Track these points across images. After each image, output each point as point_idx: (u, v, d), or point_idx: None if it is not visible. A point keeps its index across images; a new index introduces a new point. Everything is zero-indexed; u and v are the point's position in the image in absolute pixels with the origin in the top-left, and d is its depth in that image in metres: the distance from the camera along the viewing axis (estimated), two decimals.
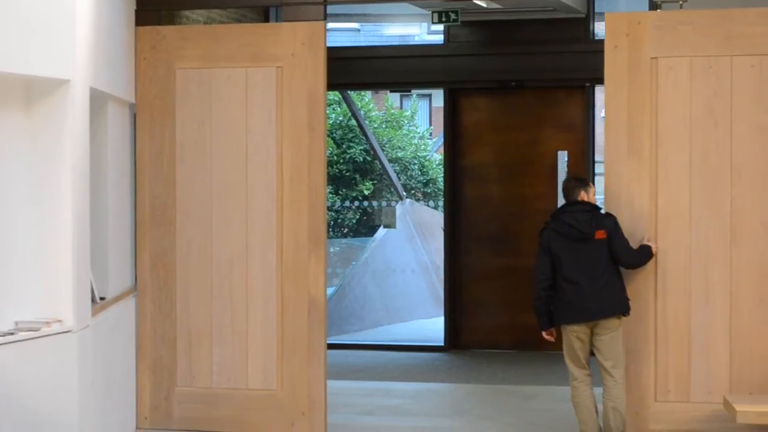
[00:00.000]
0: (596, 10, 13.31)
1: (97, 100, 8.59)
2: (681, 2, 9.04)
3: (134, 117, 9.54)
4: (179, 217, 9.44)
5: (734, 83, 8.79)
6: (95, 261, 8.57)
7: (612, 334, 8.52)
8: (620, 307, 8.54)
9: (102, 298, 8.75)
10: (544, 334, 8.64)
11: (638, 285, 8.83)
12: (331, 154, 21.67)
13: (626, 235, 8.64)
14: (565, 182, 8.85)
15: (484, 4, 12.15)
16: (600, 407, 8.56)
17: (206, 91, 9.41)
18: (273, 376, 9.32)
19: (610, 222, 8.57)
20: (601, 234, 8.48)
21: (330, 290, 15.93)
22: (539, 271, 8.55)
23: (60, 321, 7.85)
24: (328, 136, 9.78)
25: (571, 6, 12.57)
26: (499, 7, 12.20)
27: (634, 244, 8.68)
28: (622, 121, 8.93)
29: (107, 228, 8.85)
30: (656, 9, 9.04)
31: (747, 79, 8.77)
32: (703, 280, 8.78)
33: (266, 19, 12.90)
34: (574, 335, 8.51)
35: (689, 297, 8.83)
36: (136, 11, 9.46)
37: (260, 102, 9.34)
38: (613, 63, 8.96)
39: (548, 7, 12.39)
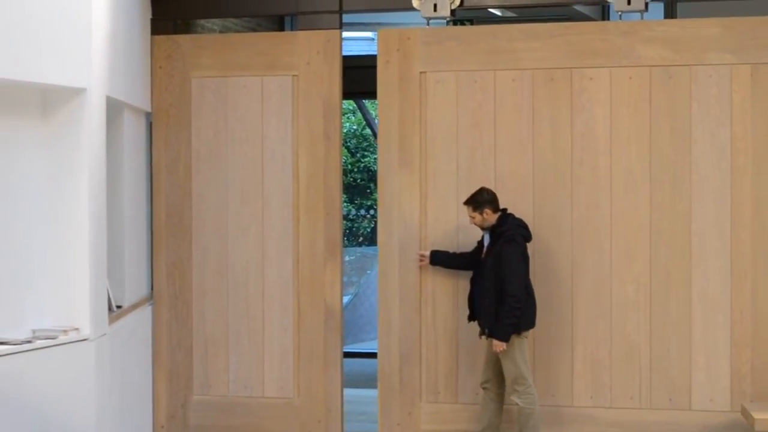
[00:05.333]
0: (611, 19, 13.28)
1: (113, 109, 8.60)
2: (449, 18, 9.16)
3: (150, 125, 9.56)
4: (195, 225, 9.46)
5: (497, 96, 8.99)
6: (112, 269, 8.58)
7: None
8: None
9: (119, 306, 8.76)
10: (503, 345, 8.37)
11: (410, 290, 9.07)
12: (345, 162, 21.66)
13: (400, 244, 9.05)
14: (491, 191, 8.60)
15: (498, 13, 12.16)
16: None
17: (222, 99, 9.43)
18: (289, 384, 9.33)
19: None
20: None
21: (345, 299, 15.89)
22: (523, 278, 8.37)
23: (77, 329, 7.87)
24: (343, 144, 9.78)
25: (586, 14, 12.56)
26: (514, 15, 12.20)
27: (406, 253, 9.03)
28: (393, 134, 9.13)
29: (123, 236, 8.86)
30: (427, 25, 9.16)
31: (509, 92, 8.97)
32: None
33: (281, 28, 12.92)
34: (526, 340, 8.54)
35: (456, 301, 8.98)
36: (152, 20, 9.49)
37: (276, 110, 9.35)
38: (385, 77, 9.16)
39: (563, 15, 12.39)
